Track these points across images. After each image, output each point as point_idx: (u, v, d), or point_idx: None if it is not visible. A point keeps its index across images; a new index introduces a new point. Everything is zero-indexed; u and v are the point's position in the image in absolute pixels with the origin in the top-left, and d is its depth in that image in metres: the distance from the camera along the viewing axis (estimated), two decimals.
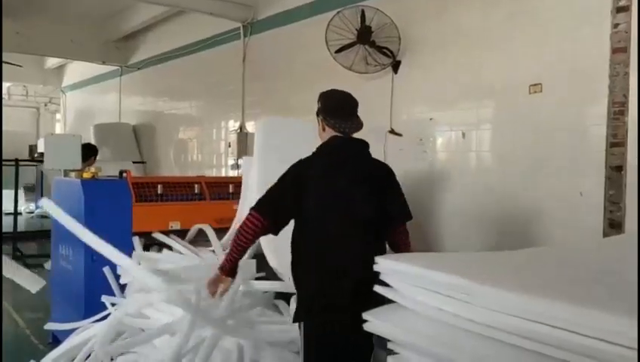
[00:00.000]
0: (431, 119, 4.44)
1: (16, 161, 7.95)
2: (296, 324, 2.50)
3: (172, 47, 8.23)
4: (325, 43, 4.61)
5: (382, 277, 1.69)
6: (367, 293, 1.77)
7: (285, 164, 2.57)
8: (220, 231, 3.92)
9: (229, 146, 6.57)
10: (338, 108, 2.63)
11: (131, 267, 2.89)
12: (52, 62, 12.38)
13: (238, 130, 6.70)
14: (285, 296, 3.17)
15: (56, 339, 3.71)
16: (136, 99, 9.75)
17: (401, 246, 2.68)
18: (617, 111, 3.27)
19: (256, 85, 6.61)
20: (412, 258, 1.72)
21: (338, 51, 4.65)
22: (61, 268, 3.86)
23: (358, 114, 2.69)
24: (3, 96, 12.93)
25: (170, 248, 3.63)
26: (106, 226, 3.49)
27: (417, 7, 4.62)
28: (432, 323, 1.50)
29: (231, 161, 6.91)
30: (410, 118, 4.59)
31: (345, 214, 2.46)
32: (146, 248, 3.66)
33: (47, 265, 4.76)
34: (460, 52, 4.25)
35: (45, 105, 15.71)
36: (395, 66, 4.68)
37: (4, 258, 3.18)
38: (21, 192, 10.36)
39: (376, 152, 2.83)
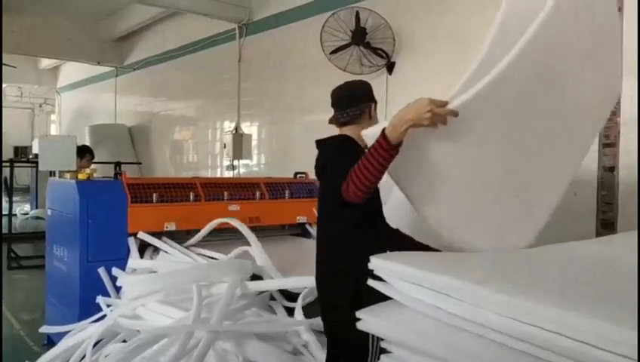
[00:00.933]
0: None
1: (11, 161, 7.93)
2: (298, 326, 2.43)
3: (167, 48, 8.24)
4: (320, 44, 4.63)
5: (376, 272, 1.69)
6: None
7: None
8: (215, 232, 3.93)
9: (225, 147, 6.57)
10: None
11: None
12: (47, 62, 12.36)
13: (234, 131, 6.71)
14: (286, 294, 3.12)
15: (50, 341, 3.70)
16: (132, 99, 9.75)
17: None
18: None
19: (251, 86, 6.63)
20: (406, 257, 1.72)
21: (333, 52, 4.67)
22: (56, 269, 3.85)
23: None
24: None
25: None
26: (101, 227, 3.51)
27: (412, 9, 4.65)
28: (427, 322, 1.51)
29: (226, 162, 6.92)
30: None
31: None
32: (142, 249, 3.66)
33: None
34: (454, 53, 4.27)
35: (40, 106, 15.68)
36: (390, 67, 4.70)
37: None
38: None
39: None
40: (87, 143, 8.43)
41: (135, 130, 9.57)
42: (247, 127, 6.75)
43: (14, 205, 8.34)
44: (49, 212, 4.03)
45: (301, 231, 4.41)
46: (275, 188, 4.25)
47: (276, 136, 6.47)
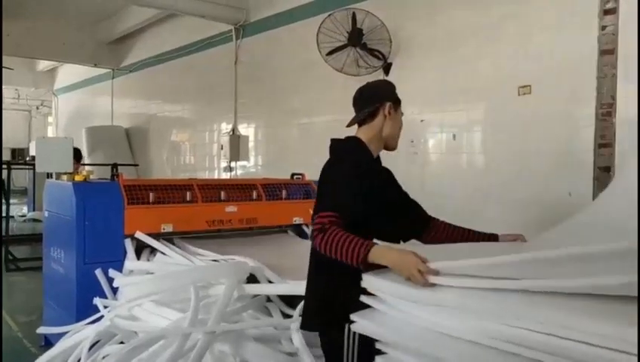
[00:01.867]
0: (422, 121, 4.47)
1: (9, 163, 7.92)
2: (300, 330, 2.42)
3: (164, 50, 8.24)
4: (317, 45, 4.64)
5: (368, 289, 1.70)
6: None
7: None
8: (212, 234, 3.94)
9: (222, 149, 6.57)
10: None
11: None
12: (44, 64, 12.35)
13: (231, 133, 6.71)
14: (286, 299, 3.12)
15: (48, 342, 3.70)
16: (129, 101, 9.74)
17: None
18: (605, 113, 3.32)
19: (248, 87, 6.63)
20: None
21: (329, 53, 4.67)
22: (53, 271, 3.85)
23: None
24: None
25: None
26: (98, 229, 3.51)
27: (408, 10, 4.66)
28: (419, 324, 1.52)
29: (223, 164, 6.92)
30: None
31: None
32: (138, 251, 3.65)
33: None
34: (451, 54, 4.29)
35: (37, 108, 15.66)
36: (386, 68, 4.71)
37: None
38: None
39: None
40: (84, 145, 8.43)
41: (132, 131, 9.57)
42: (244, 129, 6.76)
43: (12, 207, 8.33)
44: (46, 214, 4.03)
45: (298, 232, 4.42)
46: (271, 190, 4.25)
47: (273, 138, 6.48)
